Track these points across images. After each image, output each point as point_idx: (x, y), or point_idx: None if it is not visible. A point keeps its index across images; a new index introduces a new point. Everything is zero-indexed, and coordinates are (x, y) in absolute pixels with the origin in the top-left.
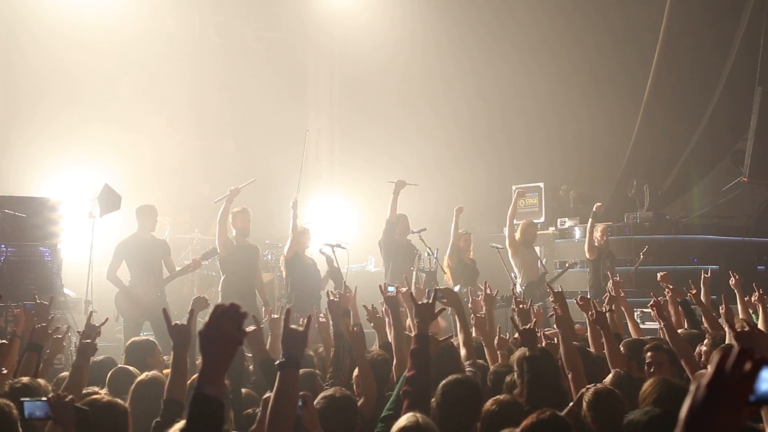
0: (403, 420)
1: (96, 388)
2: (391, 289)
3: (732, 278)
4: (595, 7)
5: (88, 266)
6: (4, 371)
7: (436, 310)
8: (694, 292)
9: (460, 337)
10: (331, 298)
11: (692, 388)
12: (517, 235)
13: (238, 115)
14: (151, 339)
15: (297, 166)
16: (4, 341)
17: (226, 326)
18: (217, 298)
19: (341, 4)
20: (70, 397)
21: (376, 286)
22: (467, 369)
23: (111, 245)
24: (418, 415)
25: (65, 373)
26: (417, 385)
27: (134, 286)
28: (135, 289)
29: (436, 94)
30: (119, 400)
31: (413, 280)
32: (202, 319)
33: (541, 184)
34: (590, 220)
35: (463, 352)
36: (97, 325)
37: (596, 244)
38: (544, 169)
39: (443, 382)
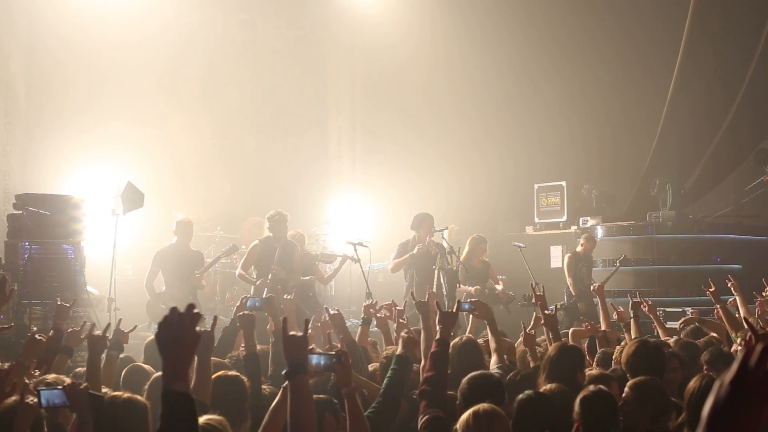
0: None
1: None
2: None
3: (730, 281)
4: (617, 5)
5: (112, 263)
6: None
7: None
8: (713, 289)
9: (492, 345)
10: (332, 312)
11: (716, 384)
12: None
13: (260, 112)
14: None
15: (318, 163)
16: (75, 328)
17: (182, 328)
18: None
19: (363, 1)
20: (85, 384)
21: (397, 284)
22: (494, 371)
23: (134, 242)
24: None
25: (81, 369)
26: (435, 385)
27: (168, 293)
28: (166, 297)
29: (457, 91)
30: (139, 397)
31: (435, 280)
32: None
33: (564, 183)
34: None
35: (494, 358)
36: (125, 331)
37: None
38: (567, 167)
39: (469, 375)
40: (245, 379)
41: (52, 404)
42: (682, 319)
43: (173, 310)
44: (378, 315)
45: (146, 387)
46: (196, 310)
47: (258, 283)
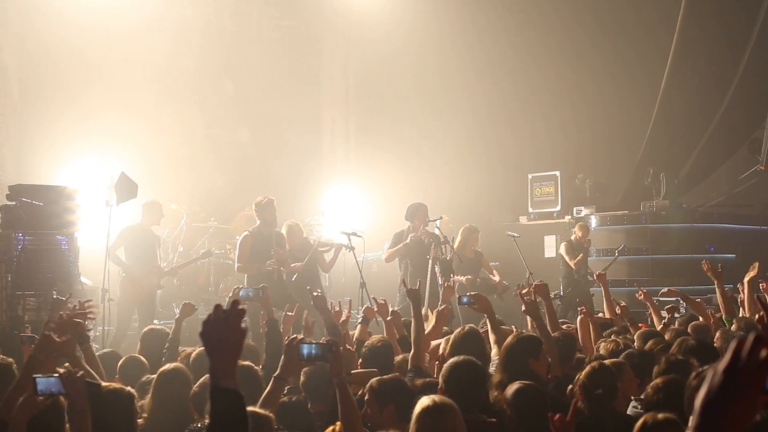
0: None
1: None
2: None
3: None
4: None
5: (105, 254)
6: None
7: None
8: (720, 271)
9: (491, 337)
10: (315, 294)
11: (709, 374)
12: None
13: (253, 103)
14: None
15: (312, 154)
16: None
17: (228, 325)
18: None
19: None
20: (81, 372)
21: (391, 274)
22: (495, 361)
23: None
24: (435, 397)
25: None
26: None
27: (131, 272)
28: (134, 271)
29: (451, 82)
30: (125, 387)
31: (429, 270)
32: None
33: (557, 173)
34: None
35: (494, 350)
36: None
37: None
38: (560, 157)
39: (449, 362)
40: (258, 369)
41: (48, 392)
42: (666, 308)
43: (217, 307)
44: (335, 309)
45: (154, 379)
46: (241, 306)
47: (268, 264)
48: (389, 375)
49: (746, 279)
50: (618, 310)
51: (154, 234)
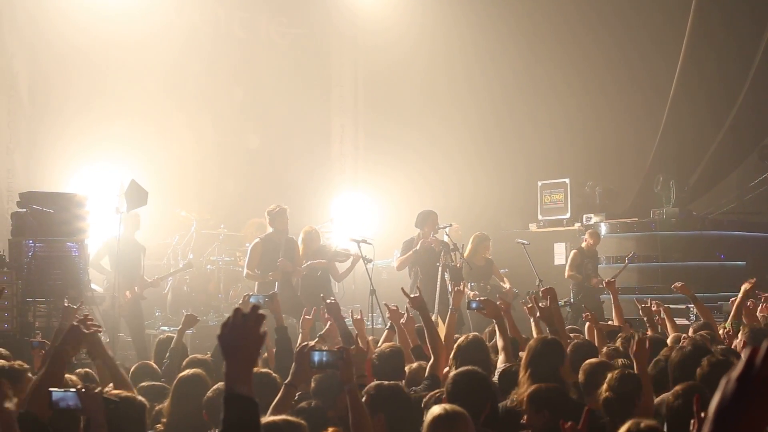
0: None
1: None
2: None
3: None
4: (620, 4)
5: (115, 261)
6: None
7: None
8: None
9: (499, 343)
10: (329, 301)
11: (722, 381)
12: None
13: (262, 110)
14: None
15: (321, 161)
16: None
17: (246, 330)
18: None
19: None
20: (99, 388)
21: (401, 282)
22: (501, 369)
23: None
24: (446, 405)
25: (82, 370)
26: None
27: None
28: (118, 280)
29: (460, 89)
30: (136, 395)
31: (439, 277)
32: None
33: (567, 180)
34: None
35: (501, 356)
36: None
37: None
38: (570, 164)
39: (454, 372)
40: (276, 376)
41: (64, 406)
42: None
43: (236, 311)
44: (355, 316)
45: (173, 385)
46: (261, 311)
47: (271, 275)
48: (391, 382)
49: (744, 287)
50: (641, 305)
51: (139, 244)
